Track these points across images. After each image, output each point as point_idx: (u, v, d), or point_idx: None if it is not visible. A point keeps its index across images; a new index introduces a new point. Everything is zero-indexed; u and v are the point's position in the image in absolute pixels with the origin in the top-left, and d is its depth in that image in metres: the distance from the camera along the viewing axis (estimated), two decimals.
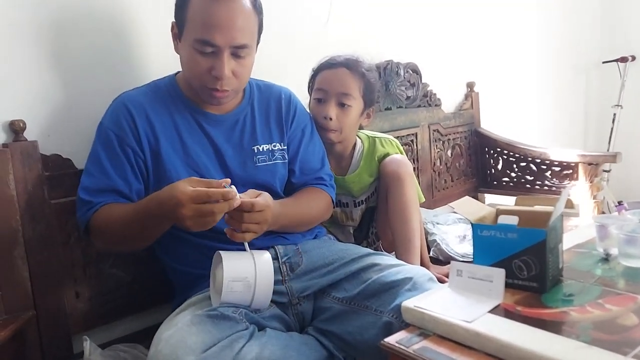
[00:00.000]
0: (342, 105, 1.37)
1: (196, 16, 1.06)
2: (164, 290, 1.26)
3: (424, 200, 1.52)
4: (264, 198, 1.01)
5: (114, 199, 1.08)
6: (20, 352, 1.11)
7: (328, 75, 1.38)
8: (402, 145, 1.93)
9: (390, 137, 1.52)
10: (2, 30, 1.14)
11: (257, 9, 1.12)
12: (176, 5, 1.11)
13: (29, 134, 1.15)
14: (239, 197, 0.95)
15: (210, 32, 1.04)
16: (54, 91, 1.22)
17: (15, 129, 1.13)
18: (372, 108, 1.46)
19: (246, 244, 0.99)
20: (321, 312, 1.10)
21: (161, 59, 1.31)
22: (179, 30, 1.11)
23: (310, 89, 1.43)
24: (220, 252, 0.98)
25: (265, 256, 1.00)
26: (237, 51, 1.08)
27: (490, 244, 0.86)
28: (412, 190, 1.38)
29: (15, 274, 1.11)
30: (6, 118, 1.14)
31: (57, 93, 1.23)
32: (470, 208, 0.96)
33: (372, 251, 1.19)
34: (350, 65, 1.39)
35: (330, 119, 1.35)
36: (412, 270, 1.07)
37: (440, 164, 2.17)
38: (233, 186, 0.95)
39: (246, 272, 0.96)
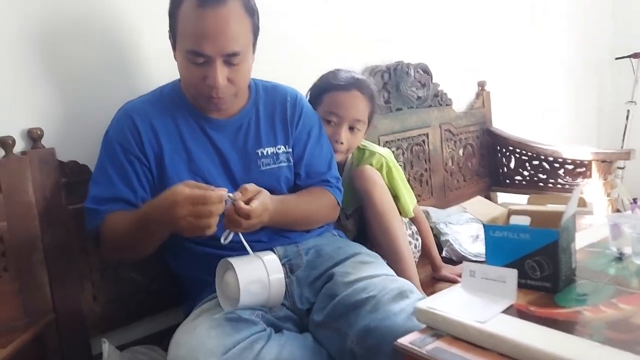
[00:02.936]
0: (352, 129, 1.39)
1: (185, 27, 1.05)
2: (179, 293, 1.27)
3: (411, 215, 1.47)
4: (262, 201, 1.01)
5: (120, 207, 1.09)
6: (41, 355, 1.14)
7: (342, 99, 1.38)
8: (414, 146, 1.96)
9: (379, 148, 1.48)
10: (18, 42, 1.17)
11: (249, 11, 1.09)
12: (169, 13, 1.10)
13: (46, 141, 1.18)
14: (236, 197, 0.96)
15: (199, 43, 1.03)
16: (70, 99, 1.25)
17: (33, 136, 1.16)
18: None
19: (249, 248, 1.01)
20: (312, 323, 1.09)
21: (168, 67, 1.33)
22: (172, 39, 1.11)
23: (314, 103, 1.40)
24: (227, 258, 0.99)
25: (271, 255, 1.03)
26: (230, 59, 1.06)
27: (502, 245, 0.87)
28: (384, 200, 1.35)
29: (35, 279, 1.14)
30: (24, 126, 1.16)
31: (72, 101, 1.25)
32: (482, 208, 0.96)
33: (359, 250, 1.18)
34: (363, 88, 1.40)
35: (342, 143, 1.37)
36: (379, 284, 1.02)
37: (452, 164, 2.16)
38: (231, 194, 0.96)
39: (258, 272, 0.98)
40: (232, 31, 1.05)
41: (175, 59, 1.13)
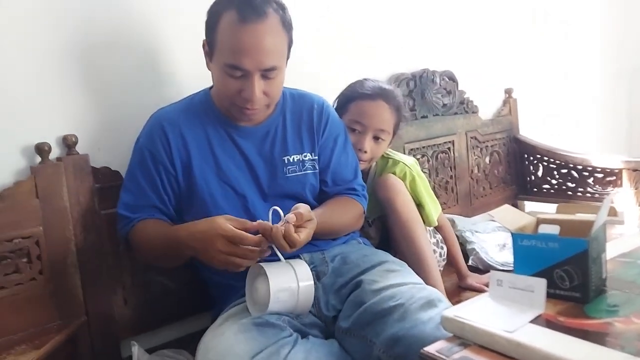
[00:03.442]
0: (376, 138, 1.40)
1: (225, 40, 1.07)
2: (208, 298, 1.29)
3: (435, 224, 1.46)
4: (309, 233, 1.01)
5: (151, 214, 1.13)
6: (72, 356, 1.17)
7: (367, 109, 1.38)
8: (439, 153, 1.96)
9: (403, 157, 1.48)
10: (55, 51, 1.21)
11: (287, 27, 1.11)
12: (206, 25, 1.12)
13: (80, 148, 1.21)
14: (289, 220, 0.98)
15: (238, 57, 1.05)
16: (102, 107, 1.28)
17: (68, 143, 1.19)
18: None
19: (280, 255, 1.02)
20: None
21: (199, 74, 1.36)
22: (209, 50, 1.13)
23: (340, 111, 1.41)
24: (260, 264, 1.00)
25: (303, 264, 1.04)
26: (267, 73, 1.08)
27: (530, 254, 0.86)
28: (407, 208, 1.35)
29: (68, 282, 1.17)
30: (59, 133, 1.20)
31: (105, 109, 1.29)
32: (509, 217, 0.95)
33: (385, 259, 1.18)
34: (389, 98, 1.40)
35: (365, 152, 1.38)
36: (407, 293, 1.01)
37: (478, 172, 2.15)
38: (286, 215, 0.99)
39: (289, 281, 0.99)
40: (271, 47, 1.07)
41: (209, 69, 1.16)
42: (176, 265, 1.16)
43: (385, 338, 0.95)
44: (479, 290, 1.45)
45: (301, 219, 1.00)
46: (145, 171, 1.14)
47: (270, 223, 0.97)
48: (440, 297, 1.02)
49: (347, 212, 1.26)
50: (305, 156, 1.23)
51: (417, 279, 1.13)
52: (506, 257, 1.65)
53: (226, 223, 0.95)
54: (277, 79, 1.12)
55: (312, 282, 1.02)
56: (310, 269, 1.13)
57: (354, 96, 1.41)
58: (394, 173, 1.42)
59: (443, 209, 1.58)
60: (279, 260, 1.02)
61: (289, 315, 1.02)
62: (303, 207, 1.03)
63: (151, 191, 1.14)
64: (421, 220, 1.39)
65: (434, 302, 0.99)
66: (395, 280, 1.07)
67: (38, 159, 1.16)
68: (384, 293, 1.03)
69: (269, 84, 1.10)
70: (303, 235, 0.99)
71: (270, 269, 0.99)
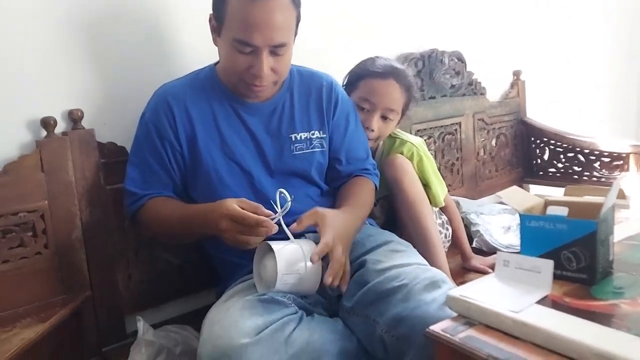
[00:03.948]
0: (384, 118, 1.38)
1: (235, 16, 1.05)
2: (211, 275, 1.30)
3: (442, 204, 1.46)
4: (333, 236, 1.02)
5: (159, 191, 1.13)
6: (77, 330, 1.18)
7: (377, 87, 1.37)
8: (446, 135, 1.94)
9: (411, 137, 1.47)
10: (58, 26, 1.20)
11: (296, 2, 1.10)
12: (214, 1, 1.11)
13: (86, 123, 1.21)
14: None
15: (248, 33, 1.04)
16: (109, 81, 1.27)
17: (74, 117, 1.18)
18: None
19: (290, 234, 1.01)
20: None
21: (206, 50, 1.34)
22: (217, 25, 1.11)
23: (350, 88, 1.41)
24: (269, 242, 1.00)
25: (311, 245, 1.03)
26: (276, 50, 1.08)
27: (538, 235, 0.85)
28: (414, 189, 1.35)
29: (73, 256, 1.18)
30: (65, 107, 1.19)
31: (111, 83, 1.28)
32: (518, 198, 0.94)
33: (390, 238, 1.18)
34: (400, 77, 1.38)
35: (373, 130, 1.37)
36: (411, 273, 1.01)
37: (485, 154, 2.13)
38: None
39: (297, 264, 0.99)
40: (281, 23, 1.06)
41: (215, 44, 1.15)
42: (187, 243, 1.17)
43: (388, 318, 0.96)
44: (483, 272, 1.46)
45: (300, 224, 1.02)
46: (151, 146, 1.14)
47: (278, 212, 0.98)
48: (444, 278, 1.02)
49: (367, 195, 1.26)
50: (313, 134, 1.23)
51: (421, 259, 1.13)
52: (510, 239, 1.65)
53: (233, 204, 0.96)
54: (285, 55, 1.11)
55: (320, 265, 1.02)
56: None
57: (364, 74, 1.40)
58: (402, 153, 1.41)
59: (448, 191, 1.57)
60: (287, 238, 1.02)
61: (294, 294, 1.03)
62: (303, 216, 1.04)
63: (158, 166, 1.14)
64: (428, 201, 1.39)
65: (438, 283, 0.99)
66: (400, 261, 1.07)
67: (44, 133, 1.16)
68: (388, 273, 1.03)
69: (277, 60, 1.10)
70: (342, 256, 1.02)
71: (278, 247, 0.99)
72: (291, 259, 0.99)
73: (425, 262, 1.12)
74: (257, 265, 1.04)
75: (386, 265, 1.06)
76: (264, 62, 1.07)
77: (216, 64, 1.22)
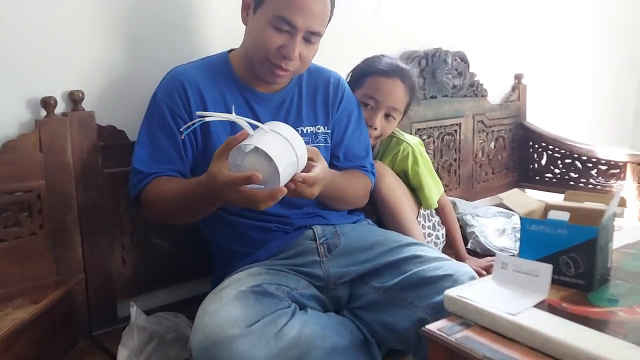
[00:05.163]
0: (388, 116, 1.39)
1: None
2: (205, 263, 1.29)
3: (434, 206, 1.47)
4: (318, 175, 0.99)
5: (167, 170, 1.11)
6: (69, 312, 1.16)
7: (383, 85, 1.37)
8: (445, 135, 1.94)
9: (408, 137, 1.47)
10: (60, 4, 1.17)
11: (333, 3, 1.14)
12: None
13: (86, 105, 1.19)
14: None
15: (293, 12, 1.06)
16: (111, 63, 1.26)
17: (74, 98, 1.17)
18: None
19: (250, 129, 0.90)
20: (357, 299, 1.11)
21: (216, 34, 1.32)
22: (255, 1, 1.11)
23: (354, 85, 1.40)
24: (250, 143, 0.88)
25: (287, 128, 0.95)
26: (310, 37, 1.10)
27: (538, 239, 0.85)
28: (393, 193, 1.36)
29: (68, 238, 1.16)
30: (66, 88, 1.18)
31: (114, 65, 1.26)
32: (519, 201, 0.95)
33: (413, 240, 1.19)
34: (405, 77, 1.39)
35: (375, 128, 1.37)
36: (454, 266, 1.06)
37: (482, 156, 2.14)
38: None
39: (288, 154, 0.91)
40: (322, 12, 1.10)
41: (245, 23, 1.15)
42: (193, 221, 1.14)
43: (435, 302, 0.98)
44: (477, 274, 1.45)
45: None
46: (164, 126, 1.12)
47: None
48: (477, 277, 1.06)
49: (359, 183, 1.27)
50: (318, 129, 1.24)
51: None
52: (505, 242, 1.65)
53: (221, 171, 0.90)
54: (315, 46, 1.13)
55: (304, 144, 0.95)
56: (322, 242, 1.15)
57: (370, 71, 1.40)
58: (397, 152, 1.43)
59: (445, 191, 1.57)
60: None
61: (288, 287, 1.03)
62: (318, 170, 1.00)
63: (169, 145, 1.12)
64: (410, 203, 1.40)
65: (476, 278, 1.04)
66: (438, 254, 1.11)
67: (43, 112, 1.14)
68: (430, 264, 1.06)
69: (307, 48, 1.12)
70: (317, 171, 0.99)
71: (265, 146, 0.88)
72: (281, 151, 0.90)
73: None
74: (235, 165, 0.93)
75: (427, 257, 1.09)
76: (297, 44, 1.08)
77: (229, 51, 1.22)
